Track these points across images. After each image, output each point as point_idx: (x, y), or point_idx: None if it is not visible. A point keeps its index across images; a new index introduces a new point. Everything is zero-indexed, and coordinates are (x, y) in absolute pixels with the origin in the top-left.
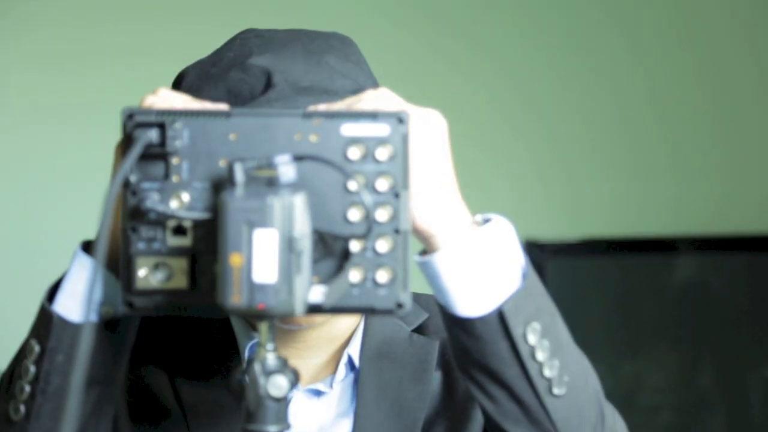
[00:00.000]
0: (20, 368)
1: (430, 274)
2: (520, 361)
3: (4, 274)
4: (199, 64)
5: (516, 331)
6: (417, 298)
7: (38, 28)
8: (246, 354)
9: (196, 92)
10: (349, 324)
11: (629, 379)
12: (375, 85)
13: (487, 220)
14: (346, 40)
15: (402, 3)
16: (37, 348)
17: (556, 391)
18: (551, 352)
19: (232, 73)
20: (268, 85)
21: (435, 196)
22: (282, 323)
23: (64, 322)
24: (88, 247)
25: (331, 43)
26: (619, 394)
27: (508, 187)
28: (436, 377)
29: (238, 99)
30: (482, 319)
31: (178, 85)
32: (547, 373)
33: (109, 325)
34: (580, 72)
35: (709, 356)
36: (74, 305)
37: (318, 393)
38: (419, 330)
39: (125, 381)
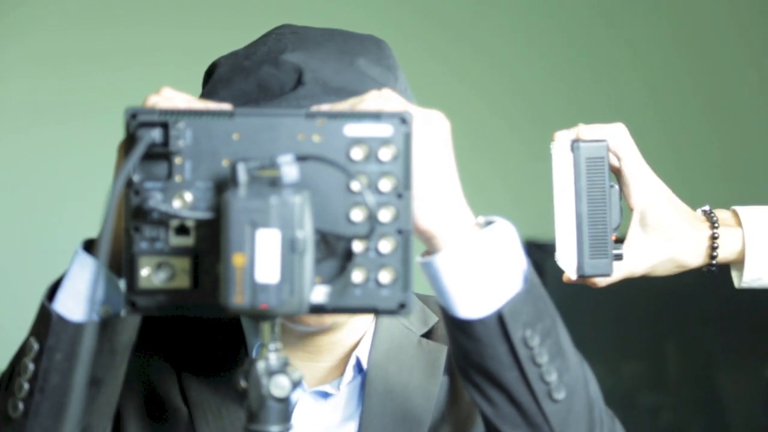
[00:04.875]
0: (19, 366)
1: (431, 275)
2: (518, 365)
3: (5, 274)
4: (233, 56)
5: (515, 335)
6: (426, 301)
7: (39, 28)
8: (254, 353)
9: (227, 83)
10: (359, 328)
11: (629, 379)
12: (406, 92)
13: (489, 222)
14: (381, 44)
15: (403, 5)
16: (36, 346)
17: (555, 395)
18: (551, 356)
19: (264, 68)
20: (299, 82)
21: (438, 196)
22: (291, 323)
23: (64, 321)
24: (88, 246)
25: (365, 46)
26: (619, 394)
27: (508, 187)
28: (442, 382)
29: (268, 93)
30: (481, 322)
31: (209, 75)
32: (546, 377)
33: (108, 325)
34: (580, 73)
35: (710, 356)
36: (74, 304)
37: (325, 395)
38: (428, 335)
39: (134, 380)
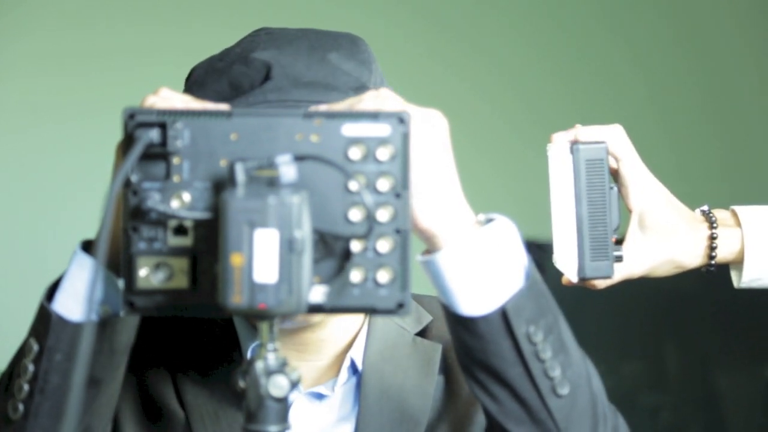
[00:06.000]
0: (19, 367)
1: (433, 273)
2: (522, 361)
3: (5, 274)
4: (209, 60)
5: (519, 330)
6: (420, 300)
7: (38, 28)
8: (249, 354)
9: (201, 86)
10: (350, 327)
11: (629, 378)
12: (382, 85)
13: (490, 220)
14: (356, 40)
15: (402, 5)
16: (35, 347)
17: (559, 390)
18: (554, 352)
19: (235, 67)
20: (267, 77)
21: (437, 195)
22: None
23: (63, 321)
24: (87, 246)
25: (338, 42)
26: (619, 394)
27: (508, 186)
28: (438, 381)
29: (238, 91)
30: (485, 318)
31: (188, 80)
32: (550, 372)
33: (107, 325)
34: (579, 73)
35: (709, 356)
36: (73, 304)
37: (320, 396)
38: (422, 333)
39: (131, 381)
